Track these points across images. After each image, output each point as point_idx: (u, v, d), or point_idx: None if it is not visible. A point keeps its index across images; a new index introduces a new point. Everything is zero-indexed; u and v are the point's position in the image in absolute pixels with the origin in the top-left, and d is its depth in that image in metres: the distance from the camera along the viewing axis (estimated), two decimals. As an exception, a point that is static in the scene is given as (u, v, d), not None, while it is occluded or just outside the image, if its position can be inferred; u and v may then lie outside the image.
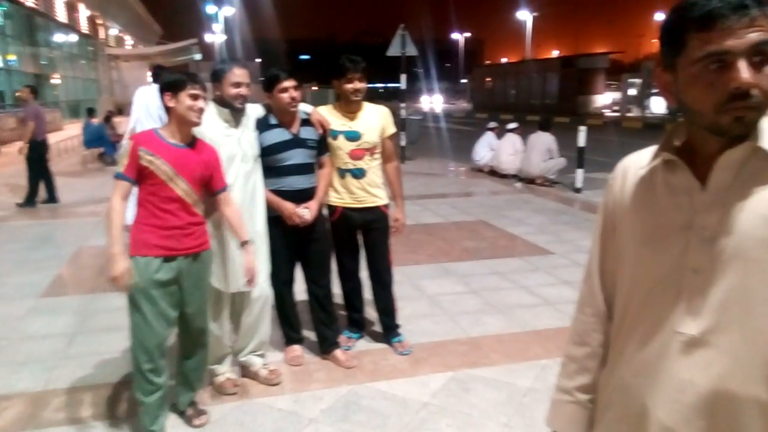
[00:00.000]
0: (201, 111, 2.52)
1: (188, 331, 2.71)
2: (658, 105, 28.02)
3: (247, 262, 2.75)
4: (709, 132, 1.03)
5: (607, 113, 28.83)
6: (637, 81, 30.84)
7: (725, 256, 1.02)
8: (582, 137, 8.56)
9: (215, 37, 37.70)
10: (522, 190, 9.05)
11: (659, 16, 38.87)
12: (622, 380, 1.18)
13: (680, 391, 1.07)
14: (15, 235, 6.65)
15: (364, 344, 3.65)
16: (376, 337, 3.71)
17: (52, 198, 8.39)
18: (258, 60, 38.07)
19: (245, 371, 3.25)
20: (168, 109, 2.53)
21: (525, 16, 44.33)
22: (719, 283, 1.03)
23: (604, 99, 30.94)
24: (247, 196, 2.99)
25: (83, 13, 33.07)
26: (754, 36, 0.94)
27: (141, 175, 2.45)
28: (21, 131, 13.08)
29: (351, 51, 3.53)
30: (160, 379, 2.57)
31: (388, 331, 3.63)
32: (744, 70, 0.94)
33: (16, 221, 7.40)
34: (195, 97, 2.48)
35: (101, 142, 12.83)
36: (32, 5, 24.27)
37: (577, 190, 8.54)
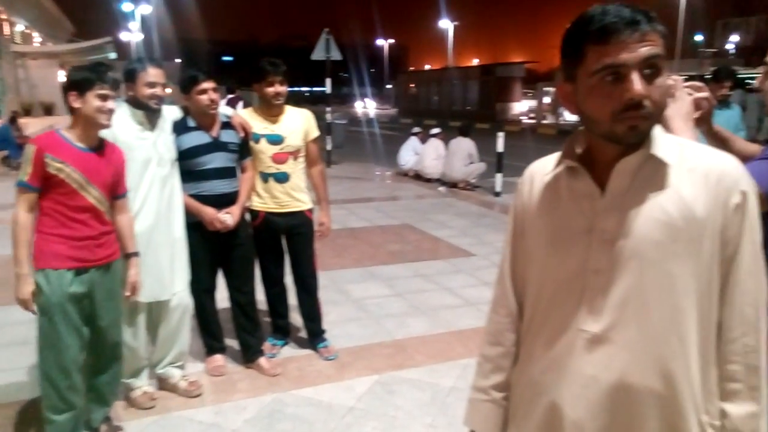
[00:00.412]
0: (110, 112, 2.35)
1: (101, 345, 2.56)
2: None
3: (130, 275, 2.61)
4: (606, 140, 1.10)
5: (524, 120, 30.02)
6: (551, 89, 32.35)
7: (623, 258, 1.09)
8: (500, 143, 8.88)
9: (131, 35, 36.11)
10: (445, 194, 9.27)
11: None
12: (532, 377, 1.23)
13: (585, 386, 1.13)
14: None
15: (289, 351, 3.61)
16: (301, 344, 3.68)
17: None
18: (178, 60, 36.80)
19: (163, 384, 3.13)
20: (72, 110, 2.34)
21: (446, 24, 45.49)
22: (618, 283, 1.09)
23: (521, 106, 32.23)
24: (164, 201, 2.88)
25: (-17, 6, 30.70)
26: (645, 50, 1.02)
27: (48, 183, 2.26)
28: None
29: (275, 54, 3.50)
30: (76, 397, 2.42)
31: (314, 337, 3.61)
32: (637, 82, 1.02)
33: None
34: (104, 98, 2.31)
35: (5, 144, 11.97)
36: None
37: (497, 194, 8.84)
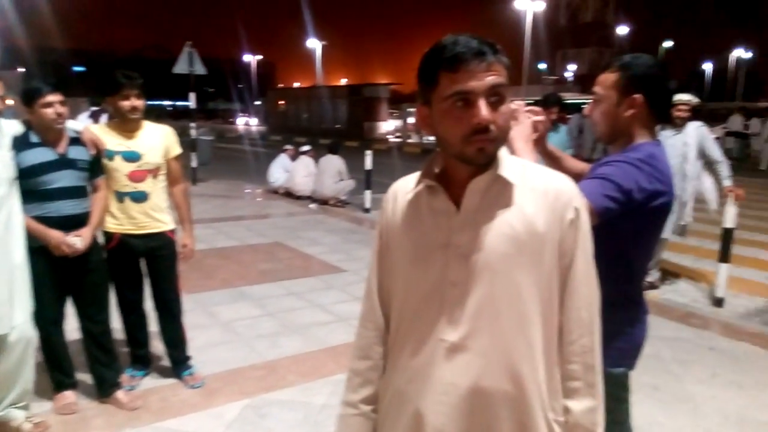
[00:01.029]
0: None
1: None
2: (432, 133, 30.95)
3: None
4: (458, 160, 1.18)
5: (391, 139, 31.01)
6: (414, 110, 33.78)
7: (476, 270, 1.17)
8: (369, 161, 9.11)
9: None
10: (316, 211, 9.28)
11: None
12: (397, 388, 1.28)
13: (445, 393, 1.20)
14: None
15: (150, 381, 3.39)
16: (164, 373, 3.47)
17: None
18: (21, 69, 33.31)
19: (4, 428, 2.80)
20: None
21: (314, 44, 45.88)
22: (473, 294, 1.18)
23: (388, 126, 33.27)
24: (0, 224, 2.60)
25: None
26: (490, 79, 1.11)
27: None
28: None
29: (134, 65, 3.31)
30: None
31: (178, 365, 3.43)
32: (483, 109, 1.11)
33: None
34: None
35: None
36: None
37: (367, 210, 9.03)
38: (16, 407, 2.82)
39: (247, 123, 48.35)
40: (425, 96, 1.19)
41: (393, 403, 1.30)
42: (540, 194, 1.19)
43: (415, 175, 1.28)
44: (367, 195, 9.06)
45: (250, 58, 60.42)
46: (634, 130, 1.74)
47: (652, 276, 5.36)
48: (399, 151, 25.15)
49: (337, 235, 7.51)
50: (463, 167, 1.19)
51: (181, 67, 11.16)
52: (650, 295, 5.02)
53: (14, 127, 2.79)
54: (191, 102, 12.09)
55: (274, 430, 2.92)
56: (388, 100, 33.56)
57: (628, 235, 1.67)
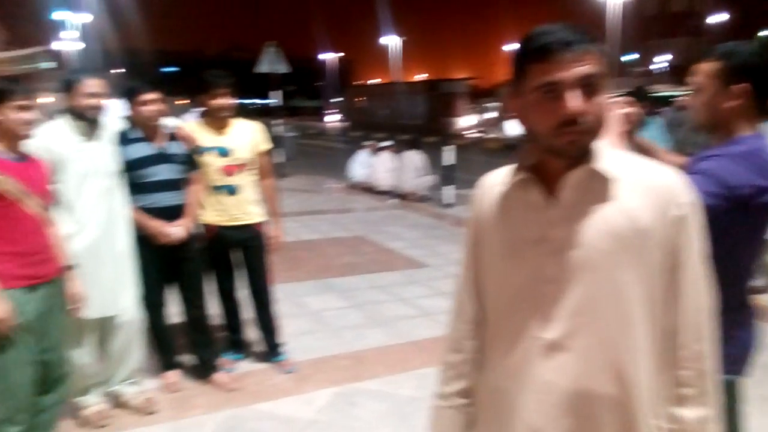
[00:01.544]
0: (30, 123, 2.29)
1: (46, 365, 2.43)
2: (512, 128, 30.26)
3: (70, 287, 2.52)
4: (549, 153, 1.15)
5: (470, 134, 30.67)
6: (495, 105, 33.14)
7: (573, 267, 1.14)
8: (448, 156, 9.06)
9: (69, 45, 34.84)
10: (397, 206, 9.36)
11: (507, 47, 42.29)
12: (493, 384, 1.27)
13: (543, 392, 1.17)
14: None
15: (246, 365, 3.56)
16: (259, 358, 3.63)
17: None
18: (122, 70, 35.72)
19: (117, 401, 3.04)
20: None
21: (393, 40, 46.14)
22: (570, 292, 1.14)
23: (466, 121, 32.91)
24: (107, 214, 2.81)
25: None
26: (580, 69, 1.07)
27: None
28: None
29: (220, 65, 3.47)
30: (24, 416, 2.31)
31: (271, 351, 3.58)
32: (571, 100, 1.07)
33: None
34: (23, 109, 2.25)
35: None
36: None
37: (448, 206, 9.00)
38: (127, 383, 3.05)
39: (333, 119, 49.10)
40: (517, 87, 1.18)
41: (489, 399, 1.29)
42: (644, 188, 1.14)
43: (507, 168, 1.26)
44: (448, 190, 9.02)
45: (330, 56, 61.71)
46: (736, 121, 1.64)
47: (761, 279, 5.00)
48: (478, 146, 24.86)
49: (418, 231, 7.55)
50: (556, 160, 1.16)
51: (264, 67, 11.54)
52: (760, 300, 4.70)
53: (118, 123, 3.01)
54: (276, 100, 12.49)
55: (363, 419, 2.99)
56: (467, 95, 33.15)
57: (732, 234, 1.57)
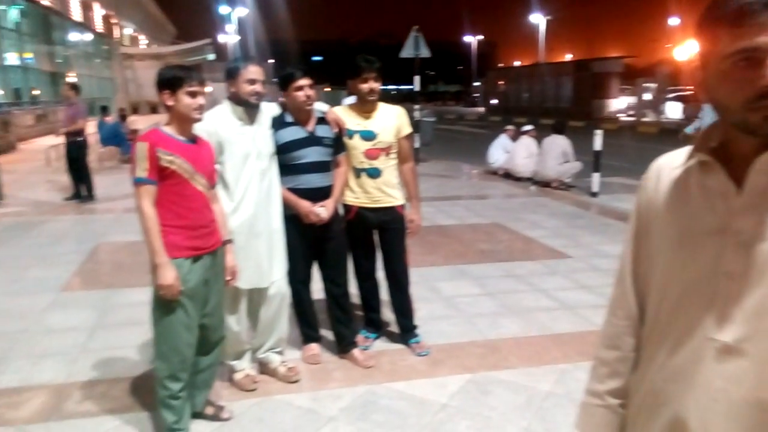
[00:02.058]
0: (201, 108, 2.48)
1: (207, 328, 2.68)
2: (673, 110, 27.77)
3: (228, 261, 2.72)
4: (739, 130, 1.00)
5: (623, 118, 28.64)
6: (652, 86, 30.61)
7: (761, 262, 0.99)
8: (598, 141, 8.52)
9: (228, 37, 37.93)
10: (537, 194, 9.02)
11: (673, 21, 38.59)
12: (653, 386, 1.15)
13: (714, 399, 1.04)
14: (34, 230, 6.73)
15: (381, 344, 3.65)
16: (393, 338, 3.71)
17: (91, 195, 8.52)
18: (271, 60, 38.24)
19: (264, 368, 3.26)
20: (167, 107, 2.48)
21: (538, 19, 44.23)
22: (754, 290, 1.00)
23: (618, 103, 30.76)
24: (262, 193, 2.99)
25: (98, 12, 33.45)
26: None
27: (161, 176, 2.40)
28: (51, 126, 13.14)
29: (365, 52, 3.53)
30: (186, 374, 2.57)
31: (406, 332, 3.63)
32: None
33: (33, 217, 7.48)
34: (194, 94, 2.43)
35: (117, 139, 12.94)
36: (48, 4, 24.56)
37: (594, 194, 8.49)
38: (273, 352, 3.27)
39: (472, 104, 48.33)
40: (702, 57, 1.03)
41: (647, 402, 1.18)
42: None
43: (684, 150, 1.12)
44: (595, 178, 8.51)
45: (471, 39, 60.77)
46: None
47: None
48: (632, 131, 23.18)
49: (560, 219, 7.21)
50: (747, 140, 1.00)
51: (407, 52, 11.65)
52: None
53: (273, 108, 3.19)
54: (416, 85, 12.56)
55: (497, 409, 2.92)
56: (620, 75, 30.92)
57: None
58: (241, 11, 37.46)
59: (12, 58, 21.99)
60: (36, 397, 3.00)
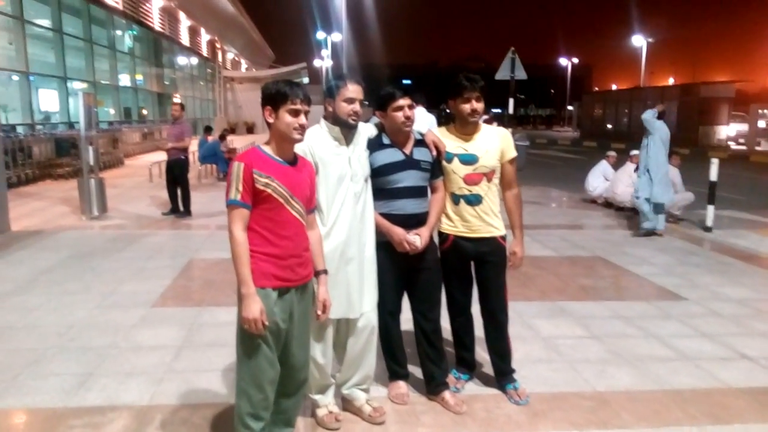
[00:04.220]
0: (302, 128, 2.31)
1: (291, 368, 2.48)
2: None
3: (320, 293, 2.52)
4: None
5: (733, 146, 26.56)
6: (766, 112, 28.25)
7: None
8: (714, 170, 7.78)
9: (323, 62, 39.13)
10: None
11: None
12: None
13: None
14: (132, 243, 6.98)
15: (473, 387, 3.34)
16: (487, 381, 3.38)
17: (188, 211, 8.80)
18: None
19: (348, 405, 3.04)
20: (268, 125, 2.34)
21: (639, 41, 42.33)
22: None
23: (728, 130, 28.60)
24: (356, 218, 2.81)
25: (204, 37, 35.57)
26: None
27: (255, 200, 2.25)
28: (155, 143, 14.00)
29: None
30: (267, 412, 2.39)
31: (502, 376, 3.30)
32: None
33: (133, 230, 7.80)
34: (296, 113, 2.28)
35: (215, 158, 13.46)
36: (159, 29, 26.35)
37: (708, 229, 7.72)
38: (359, 388, 3.04)
39: (565, 128, 46.69)
40: None
41: None
42: None
43: None
44: (710, 211, 7.74)
45: (566, 62, 59.17)
46: None
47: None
48: (744, 160, 21.40)
49: (670, 255, 6.57)
50: None
51: (503, 73, 11.32)
52: None
53: (370, 129, 3.01)
54: (510, 108, 12.19)
55: (610, 478, 2.53)
56: (731, 100, 28.80)
57: None
58: (336, 36, 38.58)
59: (125, 80, 23.71)
60: (118, 419, 2.94)
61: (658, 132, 7.50)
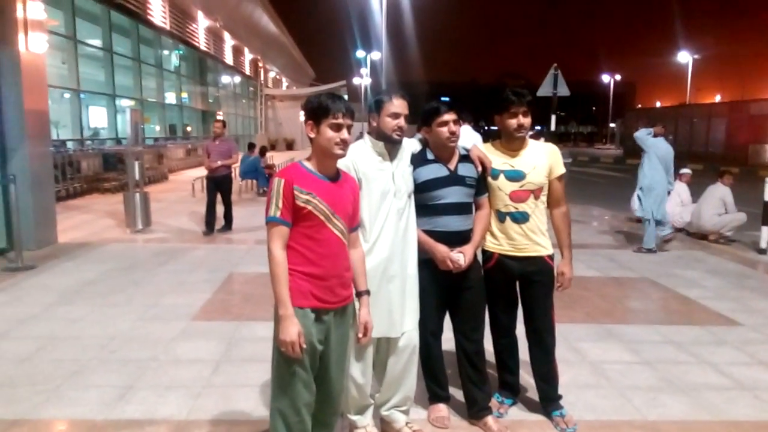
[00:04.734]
0: (344, 143, 2.22)
1: (328, 392, 2.37)
2: None
3: (362, 315, 2.40)
4: None
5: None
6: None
7: None
8: (768, 190, 7.44)
9: (362, 80, 39.55)
10: (692, 247, 8.01)
11: None
12: None
13: None
14: (174, 257, 7.08)
15: (518, 412, 3.21)
16: (531, 406, 3.25)
17: (229, 225, 8.87)
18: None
19: (386, 427, 2.96)
20: (310, 140, 2.27)
21: (685, 58, 41.38)
22: None
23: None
24: (399, 234, 2.75)
25: (247, 56, 36.41)
26: None
27: (295, 217, 2.18)
28: (198, 159, 14.17)
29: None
30: None
31: (548, 402, 3.16)
32: None
33: (175, 244, 7.92)
34: (337, 128, 2.21)
35: (255, 174, 13.66)
36: (205, 49, 27.10)
37: (762, 251, 7.37)
38: (398, 410, 2.95)
39: (607, 146, 45.78)
40: None
41: None
42: None
43: None
44: (765, 232, 7.40)
45: (608, 79, 58.24)
46: None
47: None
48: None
49: (722, 278, 6.27)
50: None
51: (545, 90, 11.16)
52: None
53: (414, 144, 2.96)
54: (551, 125, 12.01)
55: None
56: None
57: None
58: (375, 54, 38.97)
59: (170, 97, 24.42)
60: (157, 432, 2.93)
61: (653, 149, 7.50)
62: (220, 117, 21.51)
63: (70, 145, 15.12)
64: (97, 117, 18.30)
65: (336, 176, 2.32)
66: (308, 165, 2.28)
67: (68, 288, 5.57)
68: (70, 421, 3.06)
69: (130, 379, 3.54)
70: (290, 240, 2.20)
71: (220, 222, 8.80)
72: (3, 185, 6.95)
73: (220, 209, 8.77)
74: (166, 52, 23.94)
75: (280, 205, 2.16)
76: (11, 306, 5.00)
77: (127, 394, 3.33)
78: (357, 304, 2.45)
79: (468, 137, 3.46)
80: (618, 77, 61.29)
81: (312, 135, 2.25)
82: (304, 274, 2.20)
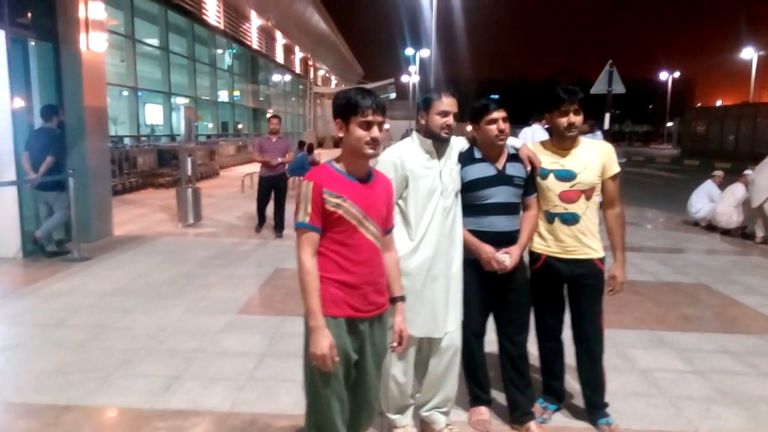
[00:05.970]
0: (375, 142, 2.07)
1: (363, 400, 2.27)
2: None
3: (396, 323, 2.28)
4: None
5: None
6: None
7: None
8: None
9: (410, 77, 39.48)
10: (750, 252, 7.64)
11: None
12: None
13: None
14: (224, 251, 7.25)
15: (562, 419, 3.12)
16: (576, 413, 3.15)
17: (281, 230, 8.55)
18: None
19: (426, 428, 2.93)
20: (340, 139, 2.15)
21: (749, 54, 39.47)
22: None
23: None
24: (444, 233, 2.72)
25: (298, 55, 36.89)
26: None
27: (326, 222, 2.06)
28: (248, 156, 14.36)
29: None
30: None
31: (593, 409, 3.06)
32: None
33: (225, 238, 8.10)
34: (367, 126, 2.05)
35: (302, 171, 13.83)
36: (257, 47, 27.60)
37: (830, 258, 6.95)
38: (439, 411, 2.93)
39: (663, 145, 44.11)
40: None
41: None
42: None
43: None
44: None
45: (666, 77, 56.18)
46: None
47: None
48: None
49: (785, 286, 5.94)
50: None
51: (599, 87, 10.84)
52: None
53: (461, 143, 2.91)
54: (606, 123, 11.66)
55: None
56: None
57: None
58: (424, 52, 38.81)
59: (223, 95, 25.00)
60: (201, 423, 2.99)
61: None
62: (275, 113, 21.90)
63: (127, 141, 15.69)
64: (153, 114, 18.93)
65: (367, 177, 2.17)
66: (338, 166, 2.14)
67: (122, 279, 5.78)
68: (119, 409, 3.16)
69: (177, 370, 3.63)
70: (321, 246, 2.09)
71: (269, 220, 8.75)
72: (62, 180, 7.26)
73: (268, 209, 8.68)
74: (219, 51, 24.51)
75: (309, 210, 2.05)
76: (68, 296, 5.23)
77: (174, 385, 3.43)
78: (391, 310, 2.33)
79: (538, 137, 3.39)
80: (677, 74, 59.03)
81: (341, 134, 2.12)
82: (336, 281, 2.09)
